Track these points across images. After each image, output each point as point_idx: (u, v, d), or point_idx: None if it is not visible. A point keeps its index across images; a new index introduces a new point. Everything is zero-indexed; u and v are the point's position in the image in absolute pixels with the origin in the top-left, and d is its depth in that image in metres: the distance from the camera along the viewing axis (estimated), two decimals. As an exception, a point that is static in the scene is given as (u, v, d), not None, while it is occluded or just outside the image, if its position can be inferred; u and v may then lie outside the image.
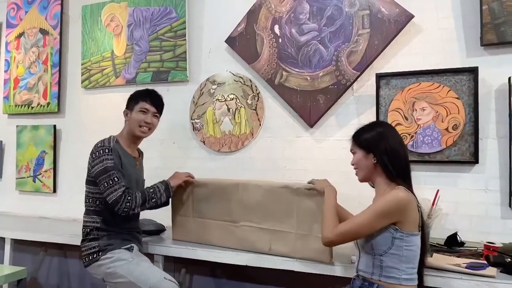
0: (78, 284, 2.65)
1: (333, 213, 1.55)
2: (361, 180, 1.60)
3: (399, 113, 2.20)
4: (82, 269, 1.95)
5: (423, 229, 1.49)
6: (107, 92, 3.06)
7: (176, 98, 2.75)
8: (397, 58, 2.27)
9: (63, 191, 3.16)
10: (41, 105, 3.23)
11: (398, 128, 2.17)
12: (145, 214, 2.18)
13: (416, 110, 2.17)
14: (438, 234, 1.95)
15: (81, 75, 3.11)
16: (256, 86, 2.58)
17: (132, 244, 1.92)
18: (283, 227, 1.86)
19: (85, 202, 1.95)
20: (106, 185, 1.81)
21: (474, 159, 2.06)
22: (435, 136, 2.13)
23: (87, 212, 1.94)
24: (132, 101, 2.02)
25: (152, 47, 2.86)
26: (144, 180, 2.13)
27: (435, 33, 2.19)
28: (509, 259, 1.63)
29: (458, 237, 1.93)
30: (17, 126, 3.33)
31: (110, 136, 1.94)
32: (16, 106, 3.35)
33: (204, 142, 2.71)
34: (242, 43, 2.61)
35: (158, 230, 2.32)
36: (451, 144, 2.10)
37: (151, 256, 2.07)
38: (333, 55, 2.35)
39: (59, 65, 3.18)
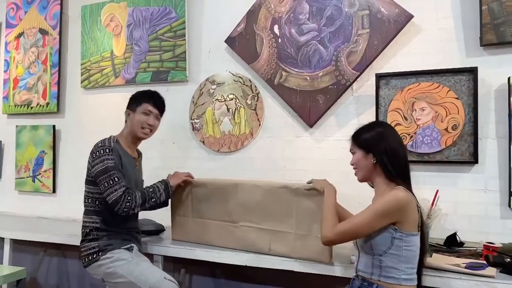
0: (78, 284, 2.65)
1: (333, 213, 1.55)
2: (360, 180, 1.60)
3: (399, 113, 2.20)
4: (82, 269, 1.95)
5: (422, 229, 1.49)
6: (106, 92, 3.06)
7: (175, 98, 2.75)
8: (396, 58, 2.27)
9: (63, 191, 3.16)
10: (40, 105, 3.23)
11: (397, 128, 2.17)
12: (144, 214, 2.18)
13: (415, 110, 2.17)
14: (437, 234, 1.96)
15: (81, 75, 3.11)
16: (255, 86, 2.58)
17: (132, 244, 1.92)
18: (283, 227, 1.86)
19: (85, 202, 1.95)
20: (106, 185, 1.81)
21: (473, 159, 2.06)
22: (435, 136, 2.13)
23: (87, 213, 1.94)
24: (135, 101, 2.01)
25: (152, 47, 2.86)
26: (143, 180, 2.13)
27: (434, 33, 2.20)
28: (508, 259, 1.63)
29: (457, 237, 1.93)
30: (16, 126, 3.33)
31: (110, 136, 1.94)
32: (15, 106, 3.35)
33: (203, 142, 2.71)
34: (241, 43, 2.61)
35: (158, 230, 2.32)
36: (451, 144, 2.10)
37: (150, 256, 2.07)
38: (333, 55, 2.35)
39: (58, 65, 3.18)
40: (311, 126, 2.42)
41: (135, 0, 2.93)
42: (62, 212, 3.07)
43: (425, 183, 2.12)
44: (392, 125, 2.17)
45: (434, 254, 1.75)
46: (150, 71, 2.86)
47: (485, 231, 2.03)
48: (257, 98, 2.57)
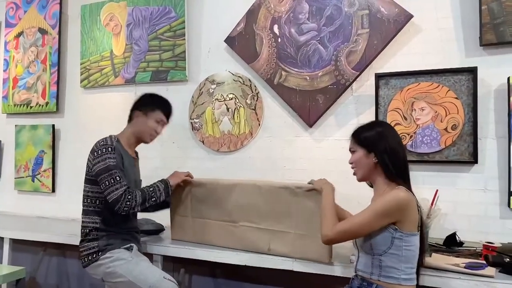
0: (77, 284, 2.65)
1: (332, 211, 1.55)
2: (360, 180, 1.59)
3: (398, 113, 2.20)
4: (81, 269, 1.95)
5: (422, 229, 1.49)
6: (106, 92, 3.05)
7: (175, 97, 2.71)
8: (396, 58, 2.27)
9: (62, 191, 3.16)
10: (40, 105, 3.23)
11: (397, 128, 2.16)
12: (144, 214, 2.18)
13: (415, 110, 2.17)
14: (437, 234, 1.95)
15: (80, 75, 3.11)
16: (255, 86, 2.58)
17: (132, 244, 1.91)
18: (282, 227, 1.86)
19: (84, 202, 1.94)
20: (107, 184, 1.81)
21: (473, 159, 2.06)
22: (434, 136, 2.13)
23: (86, 213, 1.93)
24: (149, 106, 2.00)
25: (151, 47, 2.86)
26: (141, 180, 2.13)
27: (434, 33, 2.20)
28: (508, 259, 1.63)
29: (457, 237, 1.93)
30: (15, 125, 3.32)
31: (111, 135, 1.94)
32: (15, 105, 3.35)
33: (203, 141, 2.71)
34: (241, 42, 2.61)
35: (157, 230, 2.32)
36: (450, 144, 2.10)
37: (150, 256, 2.07)
38: (332, 55, 2.35)
39: (58, 65, 3.18)
40: (310, 126, 2.42)
41: (135, -1, 2.93)
42: (61, 212, 3.06)
43: (424, 183, 2.12)
44: (392, 125, 2.17)
45: (433, 254, 1.74)
46: (149, 70, 2.86)
47: (485, 231, 2.03)
48: (257, 98, 2.57)
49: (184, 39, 2.75)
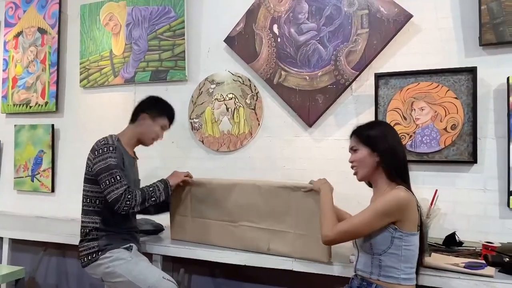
0: (77, 283, 2.65)
1: (331, 211, 1.55)
2: (361, 179, 1.58)
3: (398, 113, 2.21)
4: (81, 269, 1.95)
5: (422, 228, 1.49)
6: (105, 92, 3.05)
7: (174, 97, 2.73)
8: (396, 58, 2.27)
9: (61, 191, 3.16)
10: (39, 105, 3.23)
11: (397, 128, 2.16)
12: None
13: (414, 110, 2.17)
14: (436, 233, 1.95)
15: (80, 75, 3.11)
16: (255, 86, 2.58)
17: (131, 244, 1.91)
18: (282, 227, 1.86)
19: (84, 202, 1.94)
20: (107, 183, 1.80)
21: (472, 159, 2.06)
22: (434, 136, 2.13)
23: (86, 212, 1.93)
24: (158, 111, 2.02)
25: (151, 47, 2.85)
26: (140, 180, 2.13)
27: (434, 33, 2.20)
28: (507, 259, 1.63)
29: (456, 236, 1.93)
30: (15, 125, 3.32)
31: (112, 135, 1.94)
32: (14, 105, 3.34)
33: (203, 141, 2.71)
34: (241, 42, 2.60)
35: (157, 230, 2.32)
36: (450, 144, 2.10)
37: (149, 256, 2.07)
38: (332, 55, 2.35)
39: (57, 64, 3.18)
40: (310, 125, 2.42)
41: (134, -1, 2.93)
42: (61, 212, 3.06)
43: (424, 182, 2.12)
44: (391, 124, 2.18)
45: (433, 254, 1.74)
46: (149, 70, 2.86)
47: (484, 231, 2.03)
48: (256, 98, 2.57)
49: (184, 39, 2.74)
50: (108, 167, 1.81)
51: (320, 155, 2.40)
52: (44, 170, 3.18)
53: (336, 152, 2.33)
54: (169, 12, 2.79)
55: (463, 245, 1.92)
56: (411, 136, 2.17)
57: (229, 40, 2.64)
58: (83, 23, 3.11)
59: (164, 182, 1.97)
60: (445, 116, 2.11)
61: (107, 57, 3.01)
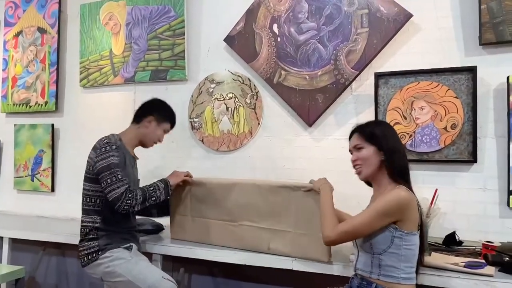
0: (76, 283, 2.65)
1: (331, 212, 1.55)
2: (365, 178, 1.55)
3: (398, 112, 2.20)
4: (81, 269, 1.94)
5: (422, 228, 1.49)
6: (105, 91, 3.05)
7: (174, 97, 2.74)
8: (396, 57, 2.27)
9: (61, 190, 3.16)
10: (39, 104, 3.22)
11: (396, 127, 2.17)
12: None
13: (414, 109, 2.17)
14: (436, 233, 1.96)
15: (79, 74, 3.11)
16: (254, 85, 2.58)
17: (131, 244, 1.91)
18: (282, 226, 1.86)
19: (84, 201, 1.93)
20: (108, 182, 1.80)
21: (472, 158, 2.06)
22: (434, 135, 2.13)
23: (86, 212, 1.93)
24: (164, 114, 2.06)
25: (151, 46, 2.85)
26: (139, 180, 2.13)
27: (434, 32, 2.20)
28: (507, 258, 1.63)
29: (456, 236, 1.93)
30: (15, 125, 3.32)
31: (113, 134, 1.94)
32: (14, 105, 3.34)
33: (202, 141, 2.71)
34: (240, 42, 2.60)
35: (157, 229, 2.32)
36: (450, 143, 2.10)
37: (149, 255, 2.07)
38: (332, 54, 2.35)
39: (57, 64, 3.18)
40: (310, 125, 2.42)
41: (134, -2, 2.93)
42: (60, 211, 3.06)
43: (424, 182, 2.12)
44: (392, 124, 2.18)
45: (433, 253, 1.75)
46: (149, 70, 2.86)
47: (484, 230, 2.03)
48: (256, 97, 2.57)
49: (184, 38, 2.74)
50: (110, 166, 1.81)
51: (320, 154, 2.40)
52: (44, 170, 3.18)
53: (336, 151, 2.33)
54: (169, 11, 2.79)
55: (463, 244, 1.92)
56: (411, 136, 2.17)
57: (229, 40, 2.64)
58: (83, 22, 3.11)
59: (164, 181, 1.98)
60: (445, 115, 2.11)
61: (107, 57, 3.01)
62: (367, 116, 2.26)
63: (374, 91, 2.26)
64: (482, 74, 2.06)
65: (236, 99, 2.62)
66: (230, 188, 2.01)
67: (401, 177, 1.47)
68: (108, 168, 1.81)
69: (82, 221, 1.93)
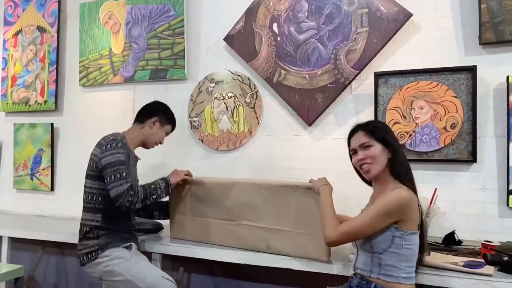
0: (76, 282, 2.65)
1: (332, 213, 1.55)
2: (373, 176, 1.52)
3: (397, 111, 2.20)
4: (80, 268, 1.94)
5: (422, 227, 1.49)
6: (105, 90, 3.05)
7: (174, 96, 2.75)
8: (395, 56, 2.27)
9: (61, 190, 3.16)
10: (38, 103, 3.22)
11: (396, 127, 2.18)
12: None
13: (414, 108, 2.17)
14: (435, 232, 1.95)
15: (79, 73, 3.10)
16: (254, 85, 2.58)
17: (131, 243, 1.91)
18: (281, 226, 1.86)
19: (85, 199, 1.93)
20: (112, 178, 1.79)
21: (472, 158, 2.06)
22: (433, 135, 2.13)
23: (87, 210, 1.92)
24: (167, 117, 2.10)
25: (150, 45, 2.85)
26: (138, 180, 2.13)
27: (433, 32, 2.19)
28: (506, 258, 1.63)
29: (455, 235, 1.93)
30: (14, 124, 3.32)
31: (118, 133, 1.94)
32: (13, 104, 3.34)
33: (202, 140, 2.71)
34: (240, 41, 2.60)
35: (156, 229, 2.32)
36: (449, 143, 2.10)
37: (149, 255, 2.07)
38: (332, 54, 2.35)
39: (56, 63, 3.17)
40: (310, 124, 2.42)
41: (134, -3, 2.92)
42: (60, 210, 3.06)
43: (423, 181, 2.11)
44: (391, 123, 2.19)
45: (432, 253, 1.74)
46: (148, 69, 2.86)
47: (483, 230, 2.03)
48: (256, 97, 2.57)
49: (183, 38, 2.74)
50: (115, 163, 1.81)
51: (319, 154, 2.40)
52: (43, 169, 3.18)
53: (335, 151, 2.33)
54: (169, 10, 2.79)
55: (462, 244, 1.92)
56: (410, 135, 2.17)
57: (229, 39, 2.64)
58: (83, 21, 3.10)
59: (165, 180, 1.98)
60: (445, 115, 2.11)
61: (107, 56, 3.00)
62: (367, 115, 2.26)
63: (374, 90, 2.26)
64: (482, 74, 2.06)
65: (236, 99, 2.62)
66: (230, 187, 2.00)
67: (406, 176, 1.48)
68: (114, 164, 1.81)
69: (82, 219, 1.93)
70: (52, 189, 3.17)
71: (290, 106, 2.46)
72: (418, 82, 2.17)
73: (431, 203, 1.78)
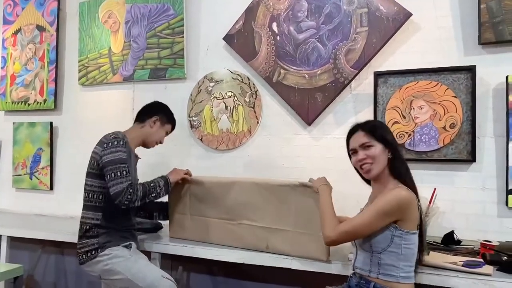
0: (75, 281, 2.65)
1: (331, 212, 1.54)
2: (373, 176, 1.52)
3: (397, 111, 2.20)
4: (79, 267, 1.94)
5: (421, 227, 1.49)
6: (104, 89, 3.04)
7: (173, 95, 2.74)
8: (395, 56, 2.27)
9: (60, 189, 3.16)
10: (37, 102, 3.22)
11: (395, 127, 2.18)
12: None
13: (413, 108, 2.17)
14: (435, 232, 1.96)
15: (78, 72, 3.10)
16: (254, 84, 2.58)
17: (131, 242, 1.91)
18: (281, 225, 1.86)
19: (86, 197, 1.93)
20: (113, 176, 1.80)
21: (471, 158, 2.06)
22: (433, 135, 2.13)
23: (87, 208, 1.92)
24: (167, 116, 2.12)
25: (150, 44, 2.85)
26: (138, 180, 2.13)
27: (433, 32, 2.19)
28: (505, 258, 1.63)
29: (455, 235, 1.93)
30: (13, 123, 3.31)
31: (119, 131, 1.94)
32: (12, 103, 3.34)
33: (201, 139, 2.70)
34: (240, 40, 2.60)
35: (155, 228, 2.32)
36: (449, 143, 2.10)
37: (148, 254, 2.07)
38: (331, 53, 2.35)
39: (56, 62, 3.17)
40: (309, 124, 2.42)
41: (133, -4, 2.92)
42: (59, 210, 3.06)
43: (422, 181, 2.10)
44: (390, 123, 2.19)
45: (431, 252, 1.75)
46: (148, 68, 2.85)
47: (483, 229, 2.03)
48: (256, 96, 2.57)
49: (183, 37, 2.74)
50: (117, 161, 1.81)
51: (319, 153, 2.40)
52: (42, 168, 3.18)
53: (335, 150, 2.33)
54: (168, 9, 2.79)
55: (462, 243, 1.92)
56: (410, 135, 2.18)
57: (228, 38, 2.63)
58: (82, 20, 3.10)
59: (164, 178, 1.98)
60: (444, 114, 2.11)
61: (106, 55, 3.00)
62: (366, 115, 2.26)
63: (373, 90, 2.26)
64: (481, 74, 2.06)
65: (235, 98, 2.62)
66: (229, 186, 2.00)
67: (406, 176, 1.48)
68: (115, 162, 1.81)
69: (82, 217, 1.93)
70: (51, 188, 3.16)
71: (290, 106, 2.46)
72: (418, 82, 2.17)
73: (430, 202, 1.78)
